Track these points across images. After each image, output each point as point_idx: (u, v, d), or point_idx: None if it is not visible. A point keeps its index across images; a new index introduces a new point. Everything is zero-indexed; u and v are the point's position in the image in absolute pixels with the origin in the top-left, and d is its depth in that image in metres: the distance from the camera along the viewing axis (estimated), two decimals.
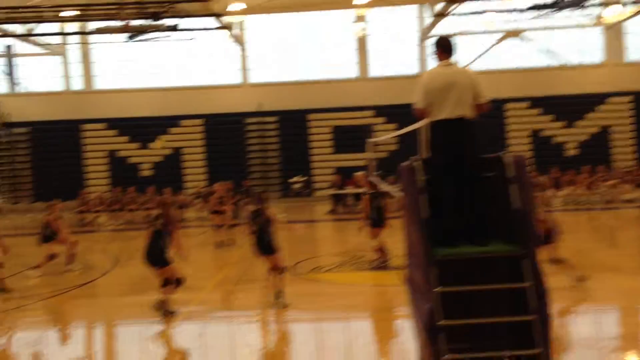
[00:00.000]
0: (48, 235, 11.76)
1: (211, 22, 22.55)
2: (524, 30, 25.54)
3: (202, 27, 22.35)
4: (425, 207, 5.13)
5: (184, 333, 7.64)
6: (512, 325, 5.04)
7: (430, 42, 5.76)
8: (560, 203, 19.22)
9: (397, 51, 26.67)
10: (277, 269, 8.55)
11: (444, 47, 5.52)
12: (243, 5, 21.88)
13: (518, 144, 24.98)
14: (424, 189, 5.21)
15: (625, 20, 24.05)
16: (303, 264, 11.18)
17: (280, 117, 26.11)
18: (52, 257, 11.61)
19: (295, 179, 23.34)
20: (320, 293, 9.29)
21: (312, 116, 26.12)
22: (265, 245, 8.54)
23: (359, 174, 20.72)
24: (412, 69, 26.27)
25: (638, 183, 18.31)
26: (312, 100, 25.93)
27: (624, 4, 21.82)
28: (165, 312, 7.95)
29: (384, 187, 15.61)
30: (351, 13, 25.49)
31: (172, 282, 8.05)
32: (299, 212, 20.16)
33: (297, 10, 25.45)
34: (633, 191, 18.80)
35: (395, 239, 12.14)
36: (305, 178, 23.64)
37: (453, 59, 5.57)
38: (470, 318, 4.95)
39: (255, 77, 26.82)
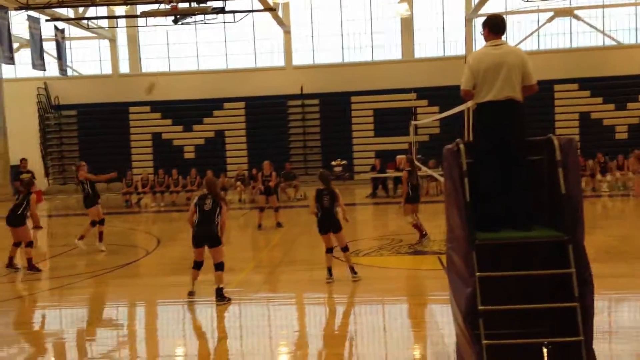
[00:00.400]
0: (90, 198, 12.16)
1: (256, 3, 22.56)
2: (575, 9, 24.63)
3: (246, 9, 22.36)
4: (468, 191, 4.99)
5: (223, 313, 7.73)
6: (553, 312, 4.90)
7: (479, 22, 5.57)
8: (607, 188, 18.58)
9: (442, 32, 26.16)
10: (343, 246, 8.94)
11: (493, 26, 5.31)
12: None
13: (566, 127, 24.24)
14: (467, 172, 5.07)
15: None
16: None
17: (322, 100, 26.04)
18: (93, 223, 12.03)
19: (335, 162, 23.27)
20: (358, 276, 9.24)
21: (354, 99, 25.95)
22: (334, 223, 8.87)
23: (400, 157, 20.51)
24: (457, 50, 25.74)
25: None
26: (354, 83, 25.74)
27: None
28: (223, 297, 8.03)
29: (425, 170, 15.42)
30: None
31: (220, 265, 8.11)
32: None
33: None
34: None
35: (435, 223, 12.01)
36: (345, 162, 23.54)
37: (502, 38, 5.37)
38: (511, 304, 4.82)
39: (298, 60, 26.76)
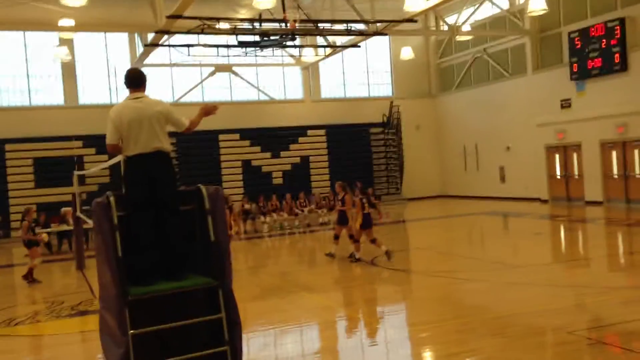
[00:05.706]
0: None
1: None
2: (233, 65, 26.84)
3: None
4: (119, 245, 4.85)
5: None
6: (209, 357, 5.04)
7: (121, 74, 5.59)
8: (267, 229, 20.40)
9: (107, 78, 25.55)
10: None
11: (130, 80, 5.40)
12: None
13: (232, 174, 26.00)
14: (119, 225, 4.94)
15: (319, 61, 27.06)
16: None
17: None
18: None
19: None
20: (9, 350, 8.12)
21: (8, 147, 23.40)
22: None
23: (65, 209, 19.05)
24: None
25: (330, 208, 20.53)
26: (9, 129, 23.37)
27: (318, 48, 24.56)
28: None
29: (89, 223, 14.61)
30: (54, 36, 23.65)
31: None
32: None
33: None
34: (327, 215, 21.05)
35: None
36: None
37: (144, 91, 5.46)
38: (168, 357, 4.79)
39: None
